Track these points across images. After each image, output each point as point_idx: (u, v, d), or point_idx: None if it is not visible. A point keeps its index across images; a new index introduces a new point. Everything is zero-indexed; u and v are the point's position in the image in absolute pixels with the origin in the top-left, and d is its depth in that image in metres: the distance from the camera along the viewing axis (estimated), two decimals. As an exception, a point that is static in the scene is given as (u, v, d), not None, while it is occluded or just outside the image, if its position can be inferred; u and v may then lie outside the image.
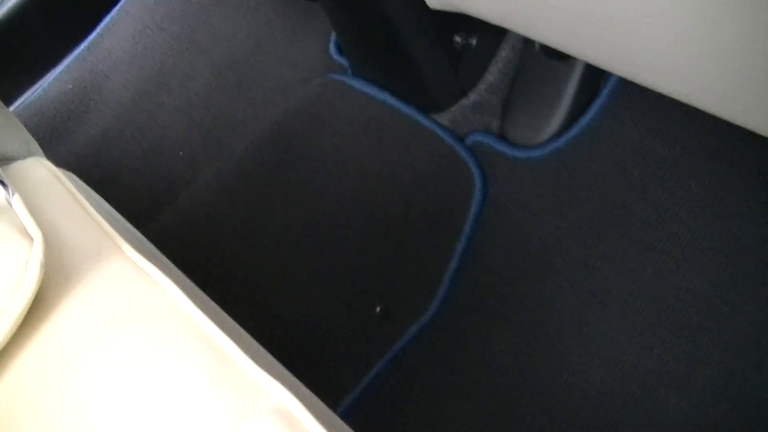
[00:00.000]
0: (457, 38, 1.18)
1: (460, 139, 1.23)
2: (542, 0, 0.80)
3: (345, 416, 1.12)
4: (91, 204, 0.70)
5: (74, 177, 0.81)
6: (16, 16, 1.69)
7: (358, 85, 1.29)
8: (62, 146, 1.59)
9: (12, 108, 1.70)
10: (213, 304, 0.71)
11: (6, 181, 0.61)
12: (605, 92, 1.19)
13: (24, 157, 0.78)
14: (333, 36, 1.41)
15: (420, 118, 1.24)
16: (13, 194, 0.60)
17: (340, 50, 1.38)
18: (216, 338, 0.57)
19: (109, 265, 0.62)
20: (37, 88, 1.72)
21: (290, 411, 0.53)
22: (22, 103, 1.71)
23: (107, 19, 1.73)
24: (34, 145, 0.84)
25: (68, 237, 0.64)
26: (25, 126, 1.64)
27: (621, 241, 1.11)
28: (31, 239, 0.58)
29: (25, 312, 0.56)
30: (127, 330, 0.58)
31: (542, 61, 1.21)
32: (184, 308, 0.59)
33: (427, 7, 1.02)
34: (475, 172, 1.19)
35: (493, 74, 1.25)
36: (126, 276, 0.62)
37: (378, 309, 1.16)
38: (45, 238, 0.59)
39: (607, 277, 1.10)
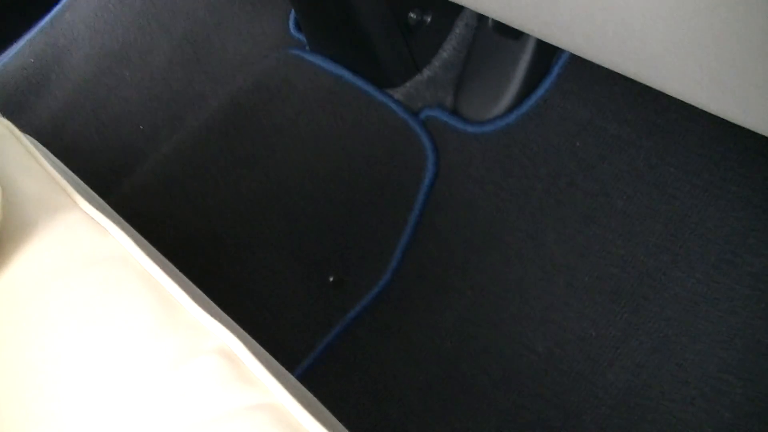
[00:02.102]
0: (412, 15, 1.21)
1: (414, 114, 1.25)
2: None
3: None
4: (50, 163, 0.71)
5: (33, 140, 0.83)
6: (-22, -11, 1.68)
7: (315, 59, 1.31)
8: (23, 119, 1.59)
9: (-27, 81, 1.70)
10: (164, 258, 0.73)
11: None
12: (556, 70, 1.21)
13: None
14: (292, 12, 1.43)
15: (374, 92, 1.25)
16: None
17: (298, 26, 1.40)
18: (163, 283, 0.59)
19: (64, 216, 0.64)
20: (-2, 63, 1.72)
21: (232, 351, 0.55)
22: (-17, 76, 1.70)
23: (69, -6, 1.73)
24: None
25: (25, 190, 0.65)
26: (-14, 98, 1.64)
27: (567, 214, 1.13)
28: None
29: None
30: (77, 277, 0.60)
31: (495, 38, 1.23)
32: (134, 256, 0.61)
33: (381, -17, 1.04)
34: (428, 146, 1.21)
35: (447, 51, 1.27)
36: (79, 227, 0.64)
37: (331, 279, 1.18)
38: (2, 189, 0.60)
39: (553, 248, 1.12)
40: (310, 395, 0.62)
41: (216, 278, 1.19)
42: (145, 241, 0.74)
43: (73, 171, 1.31)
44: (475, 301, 1.14)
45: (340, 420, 1.03)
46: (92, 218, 0.64)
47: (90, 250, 0.62)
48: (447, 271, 1.16)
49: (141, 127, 1.48)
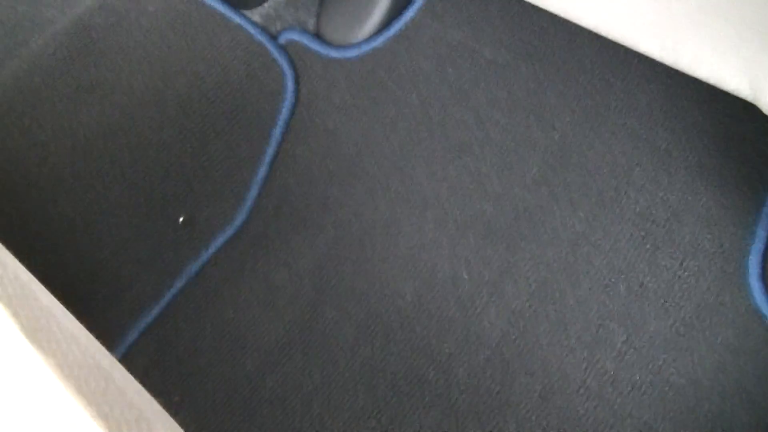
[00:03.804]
0: (268, -74, 1.10)
1: (272, 37, 1.15)
2: None
3: (146, 332, 1.05)
4: None
5: None
6: None
7: (164, -23, 1.20)
8: None
9: None
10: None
11: None
12: (425, -10, 1.13)
13: None
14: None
15: (230, 13, 1.15)
16: None
17: (150, -58, 1.28)
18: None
19: None
20: None
21: None
22: None
23: None
24: None
25: None
26: None
27: (438, 144, 1.05)
28: None
29: None
30: None
31: (360, -45, 1.14)
32: None
33: None
34: (287, 71, 1.12)
35: (309, -32, 1.17)
36: None
37: (181, 218, 1.09)
38: None
39: (422, 182, 1.04)
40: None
41: (52, 216, 1.08)
42: None
43: None
44: (338, 238, 1.06)
45: (192, 371, 0.94)
46: None
47: None
48: (308, 207, 1.08)
49: (-17, 54, 1.36)
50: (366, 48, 1.11)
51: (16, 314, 0.52)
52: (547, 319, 0.97)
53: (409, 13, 1.12)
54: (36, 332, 0.51)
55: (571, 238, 0.99)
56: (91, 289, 1.07)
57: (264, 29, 1.15)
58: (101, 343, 0.56)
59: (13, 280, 0.57)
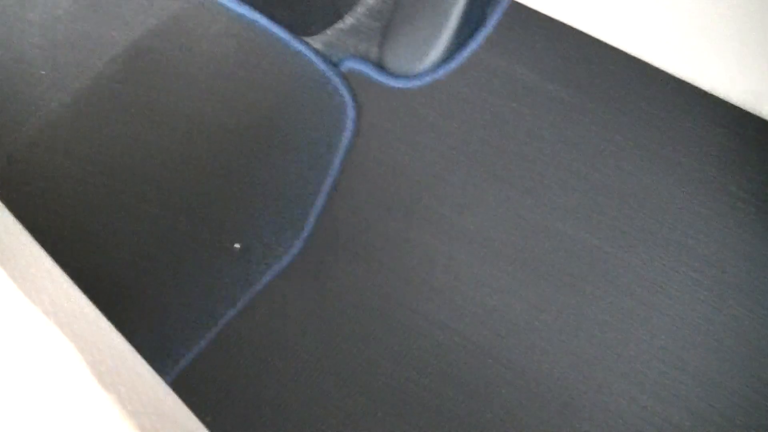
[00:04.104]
0: (334, -45, 1.09)
1: (334, 65, 1.14)
2: None
3: (195, 363, 1.04)
4: None
5: None
6: None
7: (227, 2, 1.19)
8: None
9: None
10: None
11: None
12: (491, 22, 1.11)
13: None
14: (207, -49, 1.31)
15: (291, 40, 1.14)
16: None
17: (212, -34, 1.28)
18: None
19: None
20: None
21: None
22: None
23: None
24: None
25: None
26: None
27: (498, 181, 1.04)
28: None
29: None
30: None
31: (426, -15, 1.13)
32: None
33: None
34: (348, 101, 1.10)
35: (372, -3, 1.16)
36: None
37: (237, 246, 1.07)
38: None
39: (484, 220, 1.03)
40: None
41: (106, 240, 1.08)
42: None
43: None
44: (395, 273, 1.05)
45: (233, 403, 0.93)
46: None
47: None
48: (365, 240, 1.06)
49: (42, 72, 1.36)
50: (428, 79, 1.10)
51: (82, 350, 0.52)
52: (606, 364, 0.95)
53: (473, 46, 1.10)
54: (102, 372, 0.51)
55: (644, 286, 0.97)
56: (144, 314, 1.06)
57: (326, 57, 1.14)
58: (152, 367, 0.55)
59: (79, 316, 0.56)
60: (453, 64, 1.10)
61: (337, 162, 1.09)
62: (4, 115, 1.30)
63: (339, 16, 1.15)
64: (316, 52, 1.13)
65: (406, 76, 1.12)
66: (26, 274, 0.55)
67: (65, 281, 0.58)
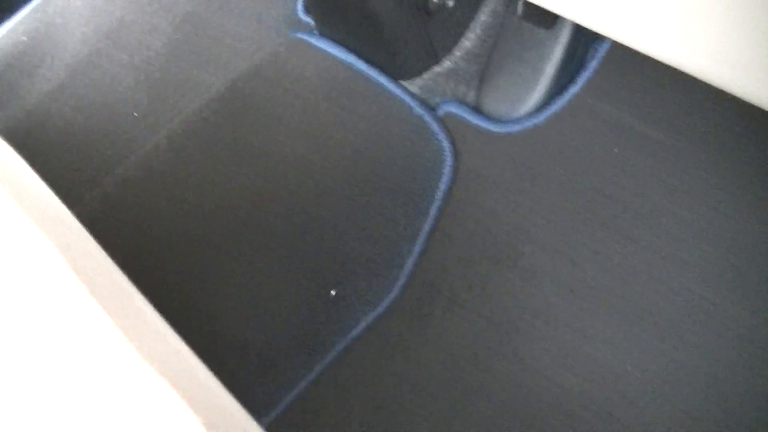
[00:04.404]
0: (433, -2, 1.08)
1: (431, 109, 1.12)
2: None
3: (291, 408, 1.02)
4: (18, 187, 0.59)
5: (7, 150, 0.71)
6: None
7: (323, 45, 1.18)
8: (13, 101, 1.49)
9: (-39, 59, 1.61)
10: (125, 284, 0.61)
11: None
12: (592, 65, 1.09)
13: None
14: (301, -7, 1.31)
15: (388, 84, 1.13)
16: None
17: (307, 9, 1.28)
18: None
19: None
20: (-10, 40, 1.63)
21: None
22: (-27, 54, 1.61)
23: (68, -31, 1.63)
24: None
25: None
26: (-26, 78, 1.54)
27: (601, 229, 1.01)
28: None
29: None
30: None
31: (524, 28, 1.11)
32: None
33: (401, -38, 0.90)
34: (446, 145, 1.09)
35: (470, 40, 1.14)
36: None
37: (333, 292, 1.06)
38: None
39: (584, 268, 1.00)
40: None
41: (199, 283, 1.07)
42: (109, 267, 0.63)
43: (62, 161, 1.19)
44: (494, 323, 1.02)
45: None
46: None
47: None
48: (463, 288, 1.04)
49: (135, 113, 1.37)
50: (527, 124, 1.07)
51: (175, 384, 0.50)
52: (719, 420, 0.92)
53: (573, 90, 1.08)
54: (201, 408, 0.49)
55: (744, 334, 0.94)
56: (239, 361, 1.05)
57: (423, 101, 1.13)
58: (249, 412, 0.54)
59: (189, 374, 0.55)
60: (553, 109, 1.08)
61: (434, 208, 1.07)
62: (100, 155, 1.30)
63: (436, 60, 1.14)
64: (414, 96, 1.12)
65: (504, 121, 1.10)
66: (136, 328, 0.54)
67: (172, 336, 0.57)
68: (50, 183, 0.67)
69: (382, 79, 1.13)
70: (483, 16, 1.14)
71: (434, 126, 1.10)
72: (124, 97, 1.39)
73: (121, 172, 1.23)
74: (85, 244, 0.58)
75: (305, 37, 1.22)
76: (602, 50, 1.09)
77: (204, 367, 0.56)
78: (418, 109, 1.11)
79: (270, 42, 1.29)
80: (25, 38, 1.57)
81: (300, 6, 1.30)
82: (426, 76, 1.14)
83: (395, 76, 1.14)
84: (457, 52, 1.14)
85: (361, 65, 1.15)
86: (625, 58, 1.10)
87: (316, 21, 1.23)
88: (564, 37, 1.08)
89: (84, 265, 0.54)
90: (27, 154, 0.68)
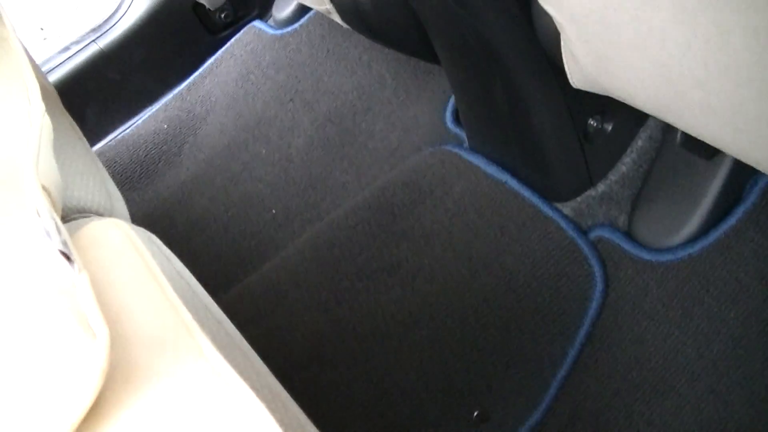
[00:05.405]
0: (592, 122, 1.07)
1: (583, 233, 1.11)
2: (703, 90, 0.67)
3: None
4: (168, 276, 0.59)
5: (153, 238, 0.71)
6: (119, 47, 1.64)
7: (476, 160, 1.18)
8: (150, 187, 1.51)
9: (104, 142, 1.64)
10: (287, 401, 0.60)
11: (73, 255, 0.51)
12: (751, 197, 1.07)
13: (102, 214, 0.68)
14: (450, 103, 1.31)
15: (541, 204, 1.12)
16: (80, 272, 0.50)
17: (457, 119, 1.28)
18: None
19: (181, 368, 0.52)
20: (132, 124, 1.66)
21: None
22: (115, 137, 1.64)
23: (211, 60, 1.67)
24: (117, 200, 0.74)
25: (138, 326, 0.54)
26: (115, 161, 1.57)
27: (760, 369, 0.97)
28: (94, 335, 0.47)
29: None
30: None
31: (682, 156, 1.09)
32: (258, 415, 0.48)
33: (564, 82, 0.89)
34: (597, 270, 1.07)
35: (626, 165, 1.12)
36: (198, 383, 0.51)
37: (475, 414, 1.04)
38: (110, 331, 0.48)
39: (739, 410, 0.97)
40: None
41: (343, 398, 1.06)
42: (268, 381, 0.62)
43: (197, 254, 1.20)
44: (641, 457, 0.99)
45: None
46: (214, 369, 0.51)
47: (208, 415, 0.49)
48: (608, 417, 1.01)
49: (273, 211, 1.38)
50: (682, 254, 1.05)
51: None
52: None
53: (730, 221, 1.06)
54: None
55: None
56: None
57: (575, 224, 1.11)
58: None
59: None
60: (708, 240, 1.05)
61: (582, 333, 1.05)
62: (236, 252, 1.31)
63: (591, 183, 1.12)
64: (567, 218, 1.11)
65: (658, 249, 1.08)
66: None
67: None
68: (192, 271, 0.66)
69: (536, 200, 1.12)
70: (640, 142, 1.13)
71: (586, 250, 1.08)
72: (261, 193, 1.40)
73: (261, 272, 1.23)
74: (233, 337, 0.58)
75: (457, 149, 1.22)
76: (762, 183, 1.06)
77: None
78: (571, 232, 1.10)
79: (418, 151, 1.29)
80: (165, 125, 1.59)
81: (449, 116, 1.30)
82: (579, 199, 1.13)
83: (548, 196, 1.13)
84: (612, 177, 1.13)
85: (514, 183, 1.14)
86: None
87: (468, 133, 1.22)
88: (724, 168, 1.06)
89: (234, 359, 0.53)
90: (164, 241, 0.68)
